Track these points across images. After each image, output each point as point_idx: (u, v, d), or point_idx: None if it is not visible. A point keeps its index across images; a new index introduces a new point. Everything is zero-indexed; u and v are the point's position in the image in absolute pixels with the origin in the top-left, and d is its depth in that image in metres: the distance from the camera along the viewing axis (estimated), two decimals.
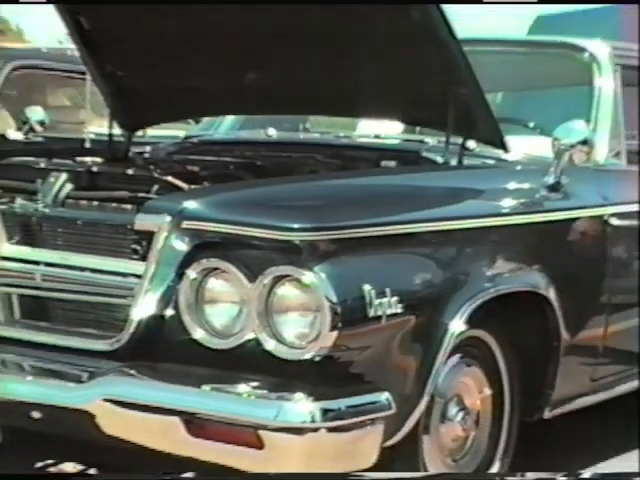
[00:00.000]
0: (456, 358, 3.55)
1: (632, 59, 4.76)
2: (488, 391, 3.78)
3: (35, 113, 6.76)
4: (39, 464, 4.31)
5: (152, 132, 5.06)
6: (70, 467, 4.27)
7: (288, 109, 4.60)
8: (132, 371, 3.24)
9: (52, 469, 4.28)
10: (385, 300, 3.09)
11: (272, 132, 4.73)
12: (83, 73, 5.77)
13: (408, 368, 3.26)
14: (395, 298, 3.12)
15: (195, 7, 4.06)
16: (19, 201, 3.67)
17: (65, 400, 3.27)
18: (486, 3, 3.44)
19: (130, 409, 3.17)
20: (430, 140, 4.24)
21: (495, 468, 3.85)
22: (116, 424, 3.22)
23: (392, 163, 4.10)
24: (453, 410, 3.63)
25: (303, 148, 4.44)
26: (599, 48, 4.62)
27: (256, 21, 3.98)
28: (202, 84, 4.42)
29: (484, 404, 3.79)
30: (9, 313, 3.62)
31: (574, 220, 4.08)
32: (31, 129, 6.75)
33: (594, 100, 4.47)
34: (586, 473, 3.90)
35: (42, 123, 6.73)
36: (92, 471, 4.23)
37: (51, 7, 4.36)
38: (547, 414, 3.99)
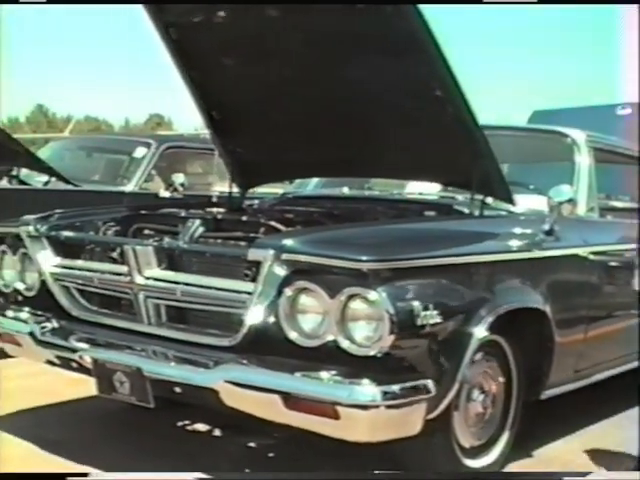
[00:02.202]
0: (479, 355, 3.44)
1: (601, 144, 4.71)
2: (501, 379, 3.67)
3: (178, 178, 6.81)
4: (179, 423, 4.29)
5: (260, 190, 5.02)
6: (201, 426, 4.25)
7: (357, 173, 4.55)
8: (244, 361, 3.18)
9: (188, 428, 4.24)
10: (428, 313, 3.00)
11: (345, 190, 4.72)
12: (211, 150, 5.78)
13: (444, 362, 3.15)
14: (436, 311, 3.03)
15: (300, 104, 4.04)
16: (166, 239, 3.66)
17: (197, 380, 3.24)
18: (486, 3, 3.22)
19: (243, 388, 3.12)
20: (459, 197, 4.17)
21: (505, 436, 3.72)
22: (233, 399, 3.17)
23: (432, 213, 4.03)
24: (476, 393, 3.54)
25: (367, 202, 4.38)
26: (578, 135, 4.59)
27: (342, 111, 3.94)
28: (296, 156, 4.38)
29: (498, 389, 3.67)
30: (158, 318, 3.57)
31: (563, 256, 3.97)
32: (175, 189, 6.79)
33: (575, 171, 4.43)
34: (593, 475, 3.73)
35: (182, 185, 6.79)
36: (217, 432, 4.20)
37: (191, 104, 4.35)
38: (543, 396, 3.88)
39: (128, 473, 3.54)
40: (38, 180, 6.98)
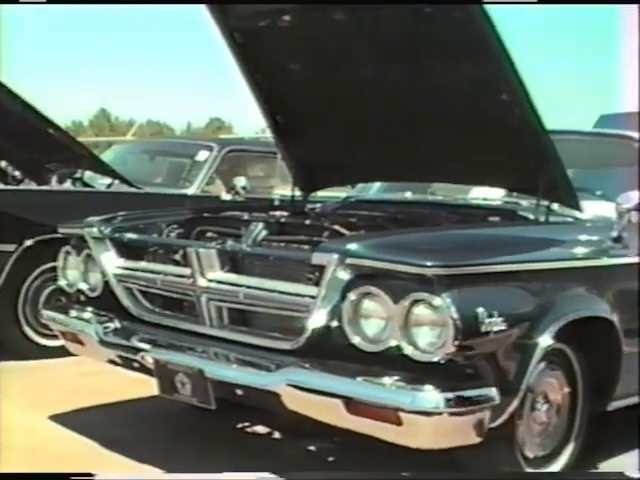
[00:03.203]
0: (543, 364, 3.38)
1: None
2: (566, 389, 3.60)
3: (239, 181, 6.85)
4: (239, 425, 4.30)
5: (322, 194, 5.02)
6: (260, 428, 4.26)
7: (421, 178, 4.52)
8: (307, 365, 3.18)
9: (248, 429, 4.26)
10: (493, 320, 2.96)
11: (408, 194, 4.69)
12: (273, 153, 5.82)
13: (508, 370, 3.11)
14: (501, 319, 2.98)
15: (365, 108, 4.03)
16: (229, 242, 3.66)
17: (260, 383, 3.24)
18: (486, 3, 3.18)
19: (305, 392, 3.11)
20: (524, 202, 4.10)
21: (570, 447, 3.64)
22: (295, 402, 3.17)
23: (496, 219, 3.97)
24: (540, 402, 3.47)
25: (430, 207, 4.33)
26: None
27: (413, 114, 3.92)
28: (359, 160, 4.39)
29: (563, 398, 3.60)
30: (220, 320, 3.59)
31: (631, 264, 3.85)
32: (236, 192, 6.83)
33: None
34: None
35: (244, 188, 6.83)
36: (277, 434, 4.20)
37: (252, 107, 4.38)
38: (609, 408, 3.77)
39: (133, 474, 3.56)
40: (101, 183, 7.08)
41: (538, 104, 3.53)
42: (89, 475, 3.32)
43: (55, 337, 4.64)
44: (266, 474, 3.46)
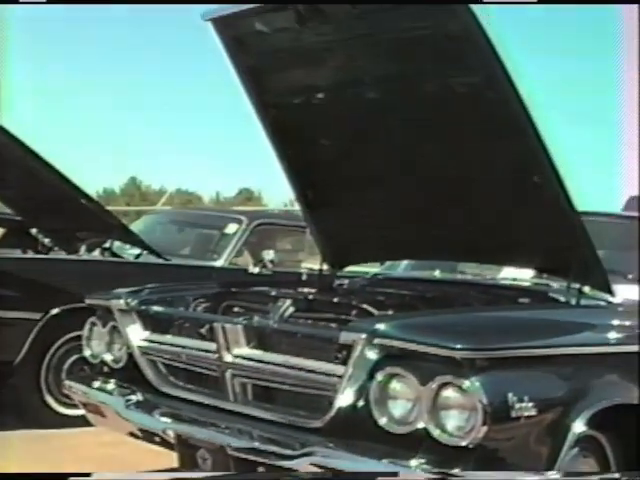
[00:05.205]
0: (575, 450, 3.28)
1: None
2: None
3: (268, 255, 6.85)
4: None
5: (350, 268, 5.00)
6: None
7: (451, 257, 4.49)
8: (331, 444, 3.14)
9: None
10: (524, 405, 2.92)
11: (437, 273, 4.66)
12: (301, 227, 5.83)
13: (540, 456, 3.04)
14: (531, 404, 2.94)
15: (395, 185, 4.05)
16: (256, 318, 3.67)
17: (282, 462, 3.19)
18: (486, 3, 3.16)
19: (329, 472, 3.07)
20: (554, 284, 4.04)
21: None
22: None
23: (526, 300, 3.93)
24: None
25: (459, 286, 4.32)
26: None
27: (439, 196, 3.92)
28: (389, 238, 4.36)
29: None
30: (244, 396, 3.55)
31: None
32: (264, 266, 6.81)
33: None
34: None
35: (272, 261, 6.83)
36: None
37: (282, 179, 4.38)
38: None
39: (128, 473, 3.47)
40: (130, 253, 7.11)
41: (570, 185, 3.52)
42: (86, 475, 3.33)
43: (76, 406, 4.61)
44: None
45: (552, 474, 3.03)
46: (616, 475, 3.50)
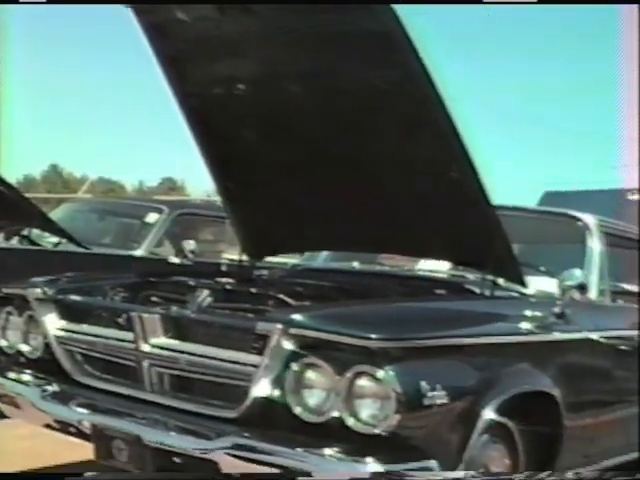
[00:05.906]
0: (486, 437, 3.36)
1: (612, 229, 4.69)
2: (508, 462, 3.58)
3: (189, 245, 6.80)
4: None
5: (269, 259, 5.02)
6: None
7: (370, 249, 4.53)
8: (247, 434, 3.15)
9: None
10: (436, 393, 2.99)
11: (356, 264, 4.70)
12: (224, 217, 5.82)
13: (451, 443, 3.12)
14: (443, 392, 3.01)
15: (316, 178, 4.06)
16: (174, 308, 3.65)
17: (197, 451, 3.20)
18: (486, 3, 3.22)
19: (244, 461, 3.09)
20: (470, 276, 4.15)
21: None
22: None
23: (442, 291, 4.01)
24: None
25: (378, 277, 4.37)
26: (590, 219, 4.57)
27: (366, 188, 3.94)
28: (308, 229, 4.40)
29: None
30: (161, 386, 3.54)
31: (574, 340, 3.92)
32: (185, 256, 6.77)
33: (587, 255, 4.41)
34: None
35: (193, 252, 6.78)
36: None
37: (205, 169, 4.36)
38: None
39: (128, 473, 3.46)
40: (49, 241, 7.00)
41: (486, 180, 3.60)
42: (82, 475, 3.35)
43: None
44: None
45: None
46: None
